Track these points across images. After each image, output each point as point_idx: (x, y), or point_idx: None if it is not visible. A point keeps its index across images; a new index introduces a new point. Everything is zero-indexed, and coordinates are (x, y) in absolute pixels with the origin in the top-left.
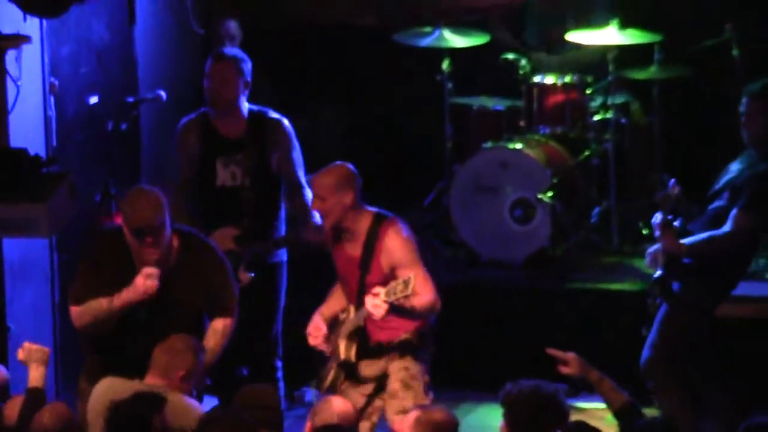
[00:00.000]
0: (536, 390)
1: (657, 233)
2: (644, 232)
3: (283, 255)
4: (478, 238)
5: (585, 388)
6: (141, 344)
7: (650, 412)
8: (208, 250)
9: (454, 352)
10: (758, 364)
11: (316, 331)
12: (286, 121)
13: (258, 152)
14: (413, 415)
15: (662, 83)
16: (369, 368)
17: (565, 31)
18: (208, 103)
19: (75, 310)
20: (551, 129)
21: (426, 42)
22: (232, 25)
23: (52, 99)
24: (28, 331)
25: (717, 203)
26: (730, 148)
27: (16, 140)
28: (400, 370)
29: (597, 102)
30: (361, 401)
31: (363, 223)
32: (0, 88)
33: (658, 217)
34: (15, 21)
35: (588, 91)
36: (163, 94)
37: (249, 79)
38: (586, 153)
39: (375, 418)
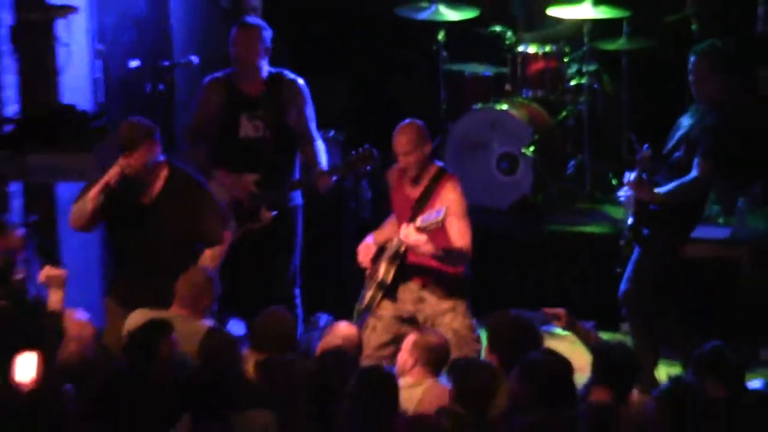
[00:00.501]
0: (514, 317)
1: (629, 188)
2: (613, 182)
3: (298, 199)
4: (469, 187)
5: None
6: (138, 267)
7: (616, 335)
8: (193, 185)
9: None
10: (713, 298)
11: (365, 249)
12: (300, 81)
13: (276, 108)
14: (411, 338)
15: (630, 53)
16: (405, 292)
17: (547, 6)
18: (233, 65)
19: (72, 209)
20: (533, 93)
21: (423, 15)
22: None
23: (98, 62)
24: (79, 265)
25: (676, 155)
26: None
27: (67, 98)
28: (448, 329)
29: (573, 69)
30: (394, 327)
31: (428, 172)
32: (51, 53)
33: (632, 175)
34: None
35: (565, 60)
36: (194, 59)
37: (269, 44)
38: (563, 114)
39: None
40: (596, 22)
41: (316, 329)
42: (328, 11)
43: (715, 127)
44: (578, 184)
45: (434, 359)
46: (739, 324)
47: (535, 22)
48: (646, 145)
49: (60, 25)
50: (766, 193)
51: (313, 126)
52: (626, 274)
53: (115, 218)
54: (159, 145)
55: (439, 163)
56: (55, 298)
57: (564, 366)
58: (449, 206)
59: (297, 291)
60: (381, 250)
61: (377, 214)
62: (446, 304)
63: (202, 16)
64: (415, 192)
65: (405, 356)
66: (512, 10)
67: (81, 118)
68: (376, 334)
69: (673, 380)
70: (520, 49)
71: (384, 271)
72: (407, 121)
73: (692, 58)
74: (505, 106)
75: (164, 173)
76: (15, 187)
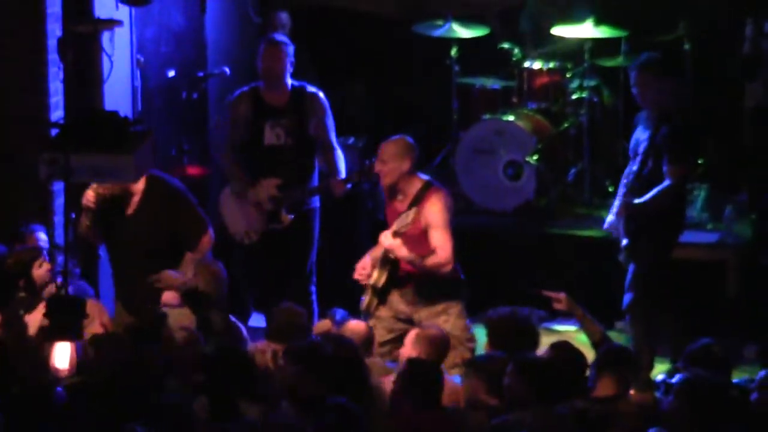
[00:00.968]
0: (512, 314)
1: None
2: (610, 189)
3: (316, 202)
4: (476, 191)
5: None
6: (126, 273)
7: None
8: (171, 192)
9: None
10: (701, 298)
11: (361, 267)
12: (321, 94)
13: (298, 118)
14: (413, 333)
15: (627, 70)
16: (400, 295)
17: (552, 25)
18: (261, 78)
19: None
20: (537, 105)
21: (438, 32)
22: (284, 16)
23: (138, 72)
24: None
25: (647, 169)
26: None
27: (109, 104)
28: (441, 325)
29: (575, 84)
30: (393, 326)
31: (414, 186)
32: (97, 62)
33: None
34: (109, 8)
35: (567, 75)
36: (227, 70)
37: (293, 59)
38: (565, 124)
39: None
40: (596, 41)
41: (333, 323)
42: (351, 28)
43: (673, 132)
44: (578, 190)
45: (435, 352)
46: (726, 322)
47: (540, 40)
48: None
49: (105, 37)
50: (751, 202)
51: (333, 135)
52: (625, 287)
53: (106, 230)
54: None
55: (426, 177)
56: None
57: (565, 361)
58: (430, 218)
59: (313, 288)
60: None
61: None
62: (439, 307)
63: (234, 31)
64: (402, 205)
65: (408, 350)
66: (519, 29)
67: (122, 123)
68: (376, 333)
69: (692, 374)
70: (526, 64)
71: (376, 276)
72: (399, 135)
73: (633, 72)
74: (511, 117)
75: (141, 185)
76: (58, 187)
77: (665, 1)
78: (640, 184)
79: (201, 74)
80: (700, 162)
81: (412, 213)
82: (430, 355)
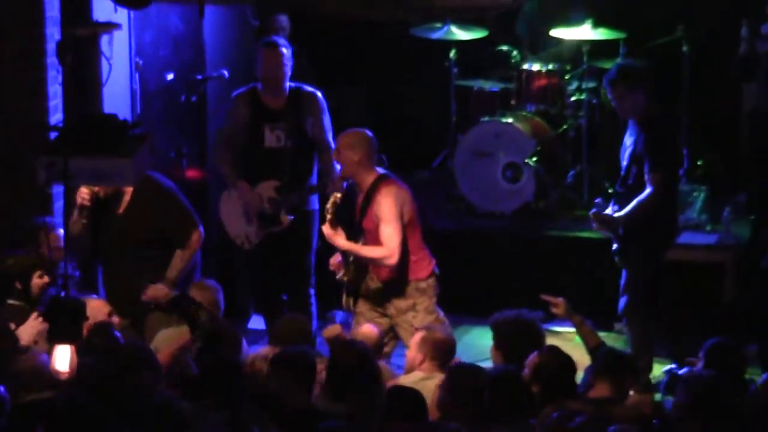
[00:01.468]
0: (518, 317)
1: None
2: (609, 190)
3: (315, 204)
4: (475, 193)
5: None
6: (116, 270)
7: (610, 335)
8: (160, 190)
9: (455, 285)
10: (700, 298)
11: (333, 259)
12: (319, 94)
13: (297, 120)
14: (419, 335)
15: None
16: (371, 290)
17: (550, 28)
18: (260, 81)
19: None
20: (536, 107)
21: (437, 35)
22: (283, 19)
23: (137, 75)
24: None
25: (631, 176)
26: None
27: (108, 107)
28: (410, 327)
29: (573, 86)
30: (373, 320)
31: (368, 180)
32: (95, 66)
33: (593, 224)
34: (108, 12)
35: (566, 77)
36: (225, 73)
37: (291, 62)
38: (564, 127)
39: (389, 342)
40: (595, 43)
41: (332, 324)
42: (349, 31)
43: (651, 139)
44: (577, 193)
45: (441, 354)
46: (724, 324)
47: (538, 42)
48: (598, 200)
49: (103, 41)
50: (749, 204)
51: (329, 136)
52: (621, 290)
53: (96, 230)
54: None
55: (382, 171)
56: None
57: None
58: (379, 211)
59: (311, 290)
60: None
61: None
62: (406, 303)
63: (233, 34)
64: (360, 198)
65: (414, 353)
66: (516, 33)
67: (120, 126)
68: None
69: (697, 376)
70: (525, 66)
71: (344, 271)
72: (358, 128)
73: (606, 87)
74: (510, 119)
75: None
76: (57, 190)
77: (663, 3)
78: (625, 191)
79: (199, 77)
80: (699, 165)
81: (332, 198)
82: (435, 358)
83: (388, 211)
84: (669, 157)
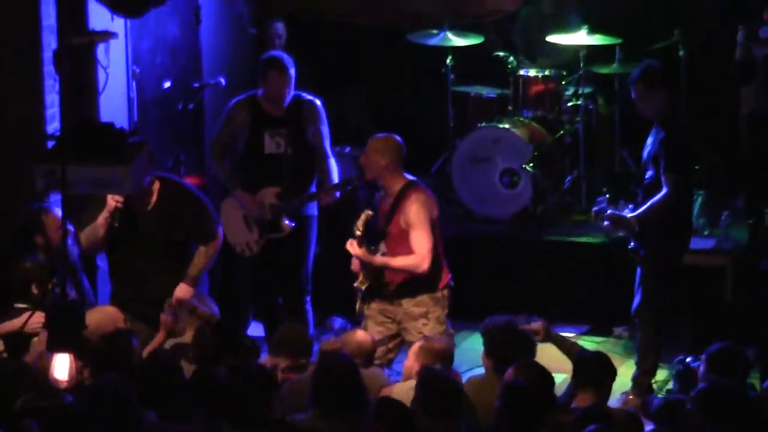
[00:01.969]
0: (508, 324)
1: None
2: (607, 195)
3: (314, 210)
4: (473, 199)
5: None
6: (137, 273)
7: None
8: (183, 191)
9: (454, 290)
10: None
11: (353, 263)
12: (318, 102)
13: (297, 127)
14: (417, 345)
15: (622, 77)
16: (384, 295)
17: (546, 34)
18: (266, 95)
19: (81, 236)
20: (533, 112)
21: (433, 41)
22: (279, 26)
23: (134, 83)
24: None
25: (648, 176)
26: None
27: (105, 115)
28: (419, 334)
29: (570, 91)
30: (383, 324)
31: (396, 186)
32: (92, 74)
33: (604, 222)
34: (104, 20)
35: (563, 83)
36: (222, 80)
37: (295, 78)
38: (561, 132)
39: (394, 349)
40: (591, 48)
41: (330, 331)
42: (347, 38)
43: (669, 141)
44: (574, 198)
45: (438, 363)
46: (724, 327)
47: (535, 48)
48: (601, 198)
49: (100, 49)
50: (747, 208)
51: (327, 143)
52: (635, 291)
53: (117, 233)
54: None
55: (411, 178)
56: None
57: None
58: (409, 218)
59: (308, 297)
60: None
61: None
62: (419, 310)
63: (230, 41)
64: (386, 203)
65: (411, 362)
66: (513, 37)
67: (118, 134)
68: (368, 331)
69: (710, 382)
70: (522, 72)
71: (361, 279)
72: (388, 134)
73: (631, 87)
74: (507, 125)
75: (156, 186)
76: (55, 198)
77: (660, 8)
78: (643, 192)
79: (197, 85)
80: (696, 169)
81: (363, 215)
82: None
83: (418, 218)
84: (685, 158)
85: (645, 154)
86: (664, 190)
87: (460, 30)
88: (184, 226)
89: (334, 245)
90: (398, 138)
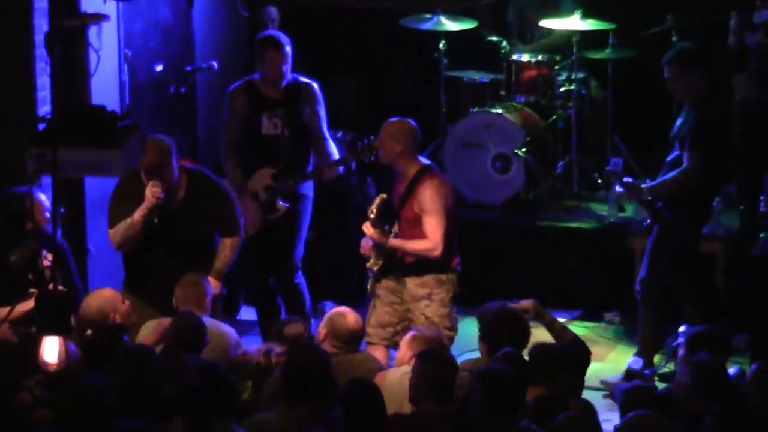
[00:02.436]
0: (503, 309)
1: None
2: (599, 181)
3: (309, 190)
4: (465, 184)
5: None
6: (162, 267)
7: (600, 324)
8: (212, 185)
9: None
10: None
11: (364, 244)
12: (315, 85)
13: (294, 109)
14: (409, 334)
15: (615, 62)
16: (393, 275)
17: (539, 18)
18: (262, 76)
19: (110, 233)
20: (526, 97)
21: (426, 26)
22: (273, 10)
23: (125, 66)
24: (104, 252)
25: (672, 154)
26: (666, 116)
27: (96, 99)
28: (421, 315)
29: (563, 76)
30: (392, 305)
31: (411, 170)
32: (84, 57)
33: (616, 186)
34: (96, 3)
35: (556, 68)
36: (215, 64)
37: (291, 57)
38: (554, 117)
39: (402, 331)
40: (584, 34)
41: (321, 316)
42: (339, 23)
43: (698, 121)
44: (567, 183)
45: None
46: (715, 313)
47: (527, 34)
48: (615, 161)
49: (92, 32)
50: (739, 194)
51: (324, 125)
52: (643, 263)
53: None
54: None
55: (426, 162)
56: None
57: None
58: (423, 203)
59: (299, 273)
60: None
61: None
62: (423, 291)
63: (222, 25)
64: (402, 186)
65: (404, 350)
66: (506, 22)
67: (109, 117)
68: (375, 312)
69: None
70: (514, 57)
71: (373, 260)
72: (404, 118)
73: (665, 68)
74: (499, 110)
75: (184, 179)
76: (46, 181)
77: None
78: (666, 170)
79: (189, 68)
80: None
81: (378, 199)
82: None
83: (432, 204)
84: (712, 140)
85: (672, 134)
86: (683, 165)
87: (453, 14)
88: (212, 219)
89: (326, 231)
90: (413, 122)
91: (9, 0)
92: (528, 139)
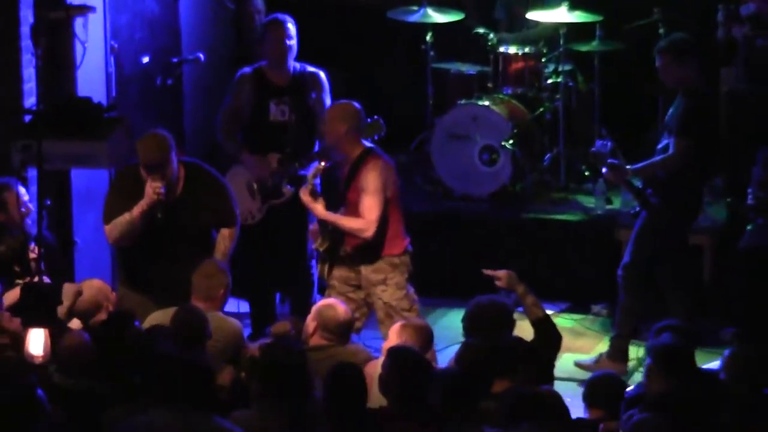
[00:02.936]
0: (490, 302)
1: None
2: (586, 173)
3: (315, 178)
4: (452, 176)
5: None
6: (161, 260)
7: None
8: (209, 177)
9: (432, 269)
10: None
11: (312, 227)
12: (322, 73)
13: (301, 96)
14: (398, 324)
15: (602, 55)
16: (345, 261)
17: (526, 10)
18: (267, 58)
19: (106, 228)
20: (513, 90)
21: (413, 18)
22: (259, 1)
23: (112, 58)
24: (91, 245)
25: (663, 142)
26: (651, 107)
27: (82, 90)
28: (379, 300)
29: (550, 69)
30: (345, 292)
31: (355, 152)
32: (69, 49)
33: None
34: None
35: (543, 60)
36: (201, 56)
37: (295, 38)
38: (541, 109)
39: (361, 317)
40: (571, 26)
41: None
42: (326, 15)
43: (686, 109)
44: (554, 175)
45: (419, 340)
46: (702, 306)
47: (515, 24)
48: (602, 142)
49: (78, 24)
50: (726, 186)
51: None
52: (628, 248)
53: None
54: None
55: (369, 145)
56: None
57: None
58: (363, 183)
59: (313, 261)
60: None
61: None
62: (378, 277)
63: (209, 16)
64: (344, 169)
65: (393, 338)
66: (494, 14)
67: (95, 109)
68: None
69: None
70: (502, 49)
71: (320, 241)
72: (346, 100)
73: (657, 56)
74: (486, 102)
75: (182, 173)
76: (32, 173)
77: None
78: (656, 156)
79: (175, 60)
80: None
81: (315, 169)
82: (414, 346)
83: (372, 184)
84: (700, 129)
85: (664, 123)
86: (670, 151)
87: (441, 6)
88: (211, 211)
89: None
90: (357, 104)
91: None
92: (515, 131)
